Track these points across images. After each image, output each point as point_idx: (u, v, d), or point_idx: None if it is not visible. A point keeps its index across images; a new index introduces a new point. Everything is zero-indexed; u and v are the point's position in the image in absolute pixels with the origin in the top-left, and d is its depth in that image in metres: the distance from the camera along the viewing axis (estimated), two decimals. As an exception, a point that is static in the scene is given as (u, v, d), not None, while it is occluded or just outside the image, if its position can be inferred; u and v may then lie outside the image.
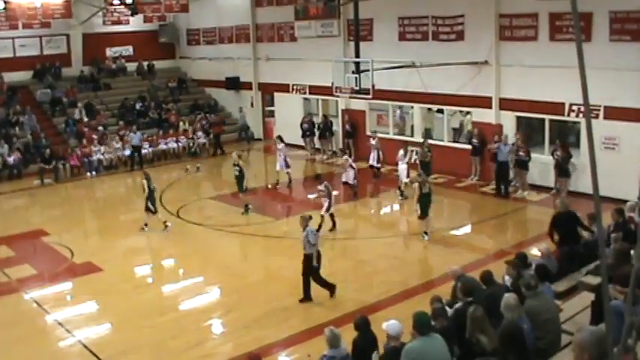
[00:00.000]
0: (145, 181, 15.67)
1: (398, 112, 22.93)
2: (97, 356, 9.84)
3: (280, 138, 19.98)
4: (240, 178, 16.84)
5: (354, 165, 18.15)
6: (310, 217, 11.69)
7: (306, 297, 11.36)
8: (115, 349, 10.01)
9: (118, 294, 12.31)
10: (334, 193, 15.76)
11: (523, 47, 18.01)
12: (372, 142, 20.06)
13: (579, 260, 10.20)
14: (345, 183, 18.25)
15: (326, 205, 14.99)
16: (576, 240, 11.02)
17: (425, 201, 14.41)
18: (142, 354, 9.98)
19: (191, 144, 25.48)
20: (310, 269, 11.27)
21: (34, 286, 12.87)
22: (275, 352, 9.85)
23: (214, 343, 10.48)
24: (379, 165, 20.01)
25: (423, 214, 14.49)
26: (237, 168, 16.84)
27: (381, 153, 19.85)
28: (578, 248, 10.65)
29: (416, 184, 14.97)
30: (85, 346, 10.17)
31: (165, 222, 15.75)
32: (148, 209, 15.63)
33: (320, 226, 14.43)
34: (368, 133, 22.08)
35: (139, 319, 11.11)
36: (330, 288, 11.45)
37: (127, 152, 23.78)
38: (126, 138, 24.10)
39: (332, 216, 15.32)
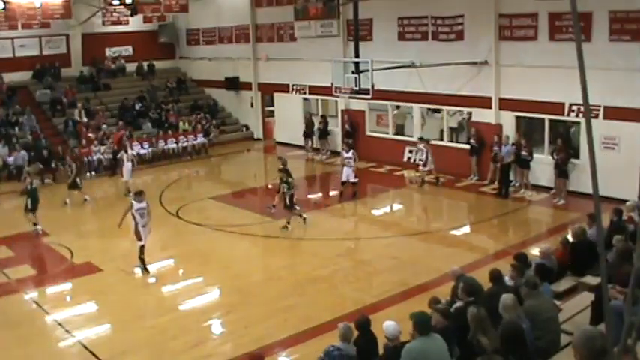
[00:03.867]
0: None
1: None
2: (96, 356, 9.84)
3: (125, 149, 19.58)
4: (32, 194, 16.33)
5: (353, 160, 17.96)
6: None
7: None
8: (114, 349, 10.01)
9: (117, 294, 12.31)
10: None
11: (523, 47, 18.01)
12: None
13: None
14: (344, 182, 18.10)
15: None
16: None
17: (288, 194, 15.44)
18: (141, 354, 9.98)
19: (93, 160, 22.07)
20: None
21: (34, 286, 12.88)
22: (275, 352, 9.84)
23: (214, 343, 10.47)
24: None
25: (289, 207, 15.49)
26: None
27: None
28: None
29: (278, 178, 15.78)
30: (85, 347, 10.16)
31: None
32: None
33: None
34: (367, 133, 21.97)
35: (138, 319, 11.12)
36: None
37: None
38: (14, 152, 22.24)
39: None
